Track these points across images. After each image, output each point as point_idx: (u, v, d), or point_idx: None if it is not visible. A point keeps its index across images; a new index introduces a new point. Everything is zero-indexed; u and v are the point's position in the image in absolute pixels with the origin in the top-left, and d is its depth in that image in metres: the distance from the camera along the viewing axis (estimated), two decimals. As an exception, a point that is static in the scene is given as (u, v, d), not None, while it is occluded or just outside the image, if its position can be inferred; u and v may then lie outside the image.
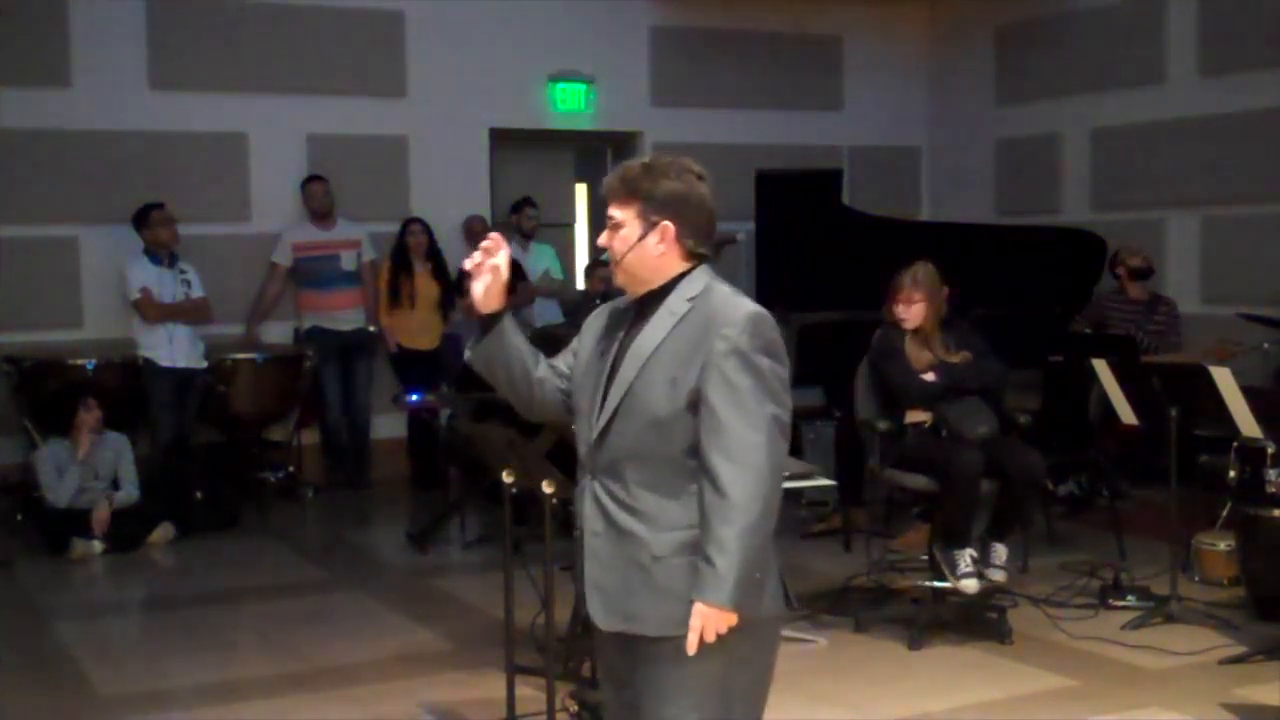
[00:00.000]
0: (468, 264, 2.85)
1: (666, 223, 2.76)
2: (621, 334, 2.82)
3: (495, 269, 2.82)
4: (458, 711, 4.76)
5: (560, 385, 2.92)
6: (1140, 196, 9.31)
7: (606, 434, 2.75)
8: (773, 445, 2.66)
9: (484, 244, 2.84)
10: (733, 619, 2.63)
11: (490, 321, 2.86)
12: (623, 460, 2.73)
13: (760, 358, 2.67)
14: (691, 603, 2.65)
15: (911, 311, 5.63)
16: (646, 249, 2.76)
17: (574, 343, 2.95)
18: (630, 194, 2.77)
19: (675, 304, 2.76)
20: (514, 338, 2.89)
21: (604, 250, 2.82)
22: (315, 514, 8.56)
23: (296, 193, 8.94)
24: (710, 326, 2.69)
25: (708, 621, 2.63)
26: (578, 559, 2.84)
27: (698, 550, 2.66)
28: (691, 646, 2.64)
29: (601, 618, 2.78)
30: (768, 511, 2.65)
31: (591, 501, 2.79)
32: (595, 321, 2.92)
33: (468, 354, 2.94)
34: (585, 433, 2.81)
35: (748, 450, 2.63)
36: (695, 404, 2.67)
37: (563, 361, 2.95)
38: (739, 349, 2.66)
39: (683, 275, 2.78)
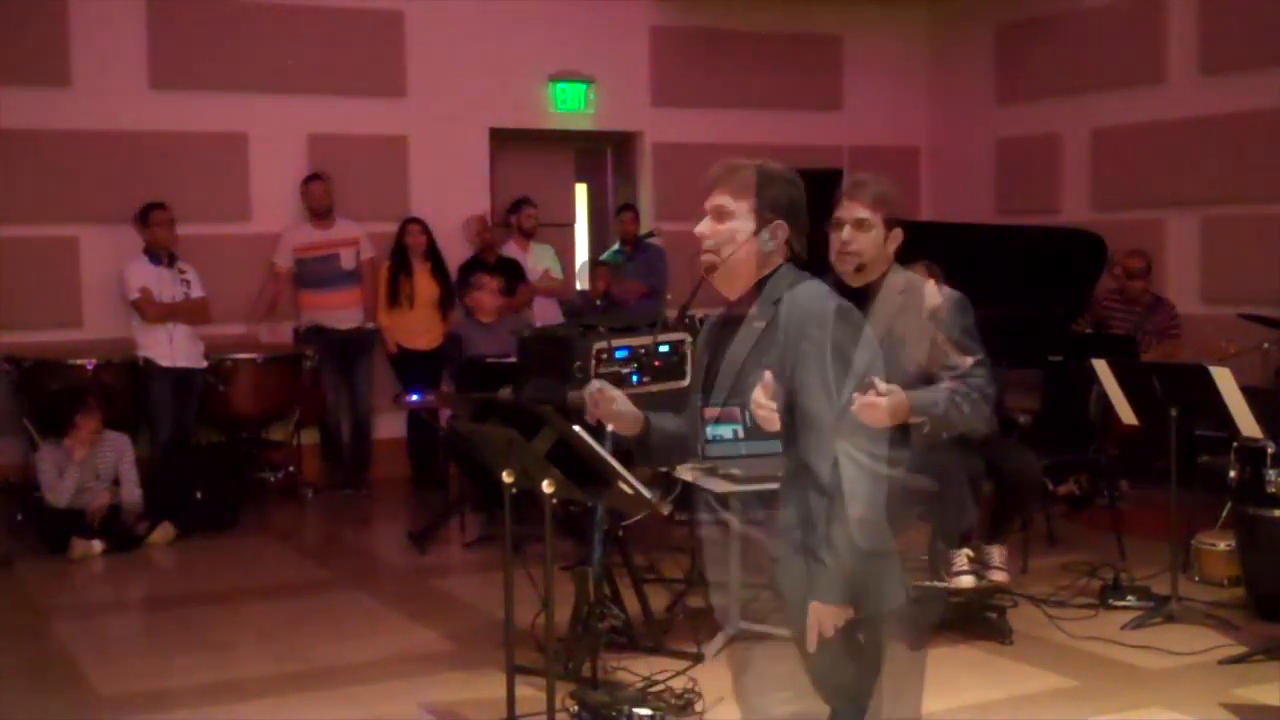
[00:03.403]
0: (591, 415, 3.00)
1: (781, 221, 2.88)
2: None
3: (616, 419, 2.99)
4: (458, 711, 4.76)
5: None
6: (1140, 196, 9.31)
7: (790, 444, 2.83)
8: None
9: (594, 403, 2.98)
10: (848, 612, 2.72)
11: (640, 439, 3.01)
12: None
13: (849, 349, 2.79)
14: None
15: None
16: (757, 245, 2.85)
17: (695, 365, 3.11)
18: (744, 189, 2.87)
19: (761, 311, 2.84)
20: (665, 434, 3.02)
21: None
22: (315, 514, 8.55)
23: (296, 193, 8.94)
24: (801, 327, 2.78)
25: (823, 618, 2.73)
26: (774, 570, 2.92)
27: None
28: (811, 644, 2.75)
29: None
30: (872, 502, 2.70)
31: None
32: (703, 342, 3.03)
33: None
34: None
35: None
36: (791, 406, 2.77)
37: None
38: (824, 343, 2.75)
39: (768, 276, 2.88)
